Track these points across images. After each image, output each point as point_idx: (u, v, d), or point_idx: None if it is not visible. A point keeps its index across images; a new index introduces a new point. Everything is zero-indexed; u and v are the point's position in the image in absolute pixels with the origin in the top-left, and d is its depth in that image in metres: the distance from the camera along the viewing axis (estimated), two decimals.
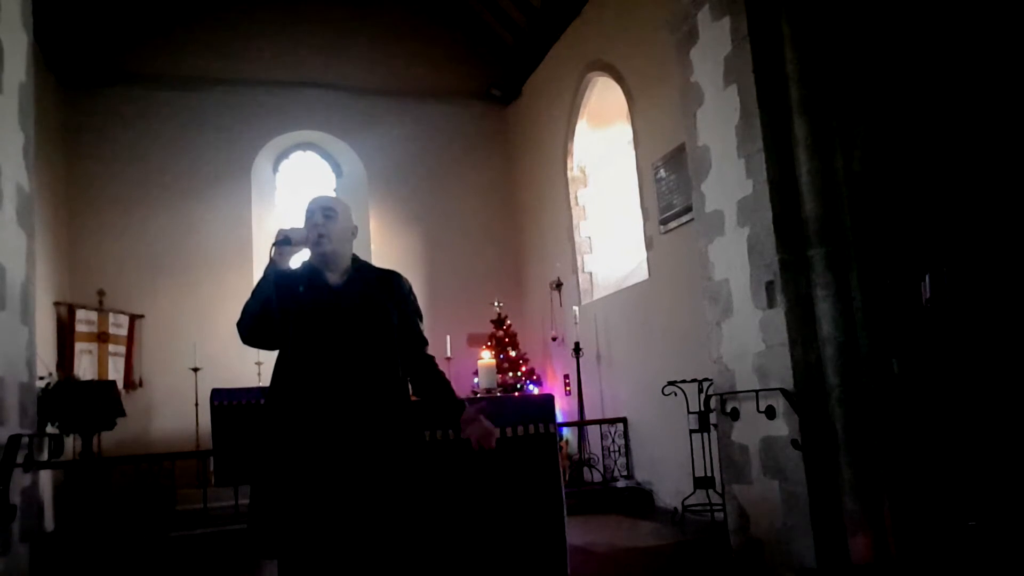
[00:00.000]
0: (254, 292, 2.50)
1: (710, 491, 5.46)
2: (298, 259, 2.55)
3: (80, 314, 7.81)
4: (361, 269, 2.65)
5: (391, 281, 2.67)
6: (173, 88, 8.84)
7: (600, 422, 7.42)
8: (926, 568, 3.63)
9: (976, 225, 3.63)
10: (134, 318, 8.32)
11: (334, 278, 2.57)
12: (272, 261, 2.45)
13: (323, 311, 2.47)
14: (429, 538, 2.47)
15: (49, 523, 6.24)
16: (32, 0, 3.99)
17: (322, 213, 2.58)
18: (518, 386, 8.28)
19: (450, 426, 2.66)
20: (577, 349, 7.81)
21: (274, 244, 2.45)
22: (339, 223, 2.60)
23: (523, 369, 8.47)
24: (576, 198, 8.41)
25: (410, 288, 2.71)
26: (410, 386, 2.62)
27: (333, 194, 9.92)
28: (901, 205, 3.88)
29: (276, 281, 2.45)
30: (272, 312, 2.44)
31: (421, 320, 2.72)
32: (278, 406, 2.42)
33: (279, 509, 2.30)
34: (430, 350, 2.69)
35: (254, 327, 2.50)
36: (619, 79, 7.39)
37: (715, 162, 4.49)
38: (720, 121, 4.42)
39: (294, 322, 2.44)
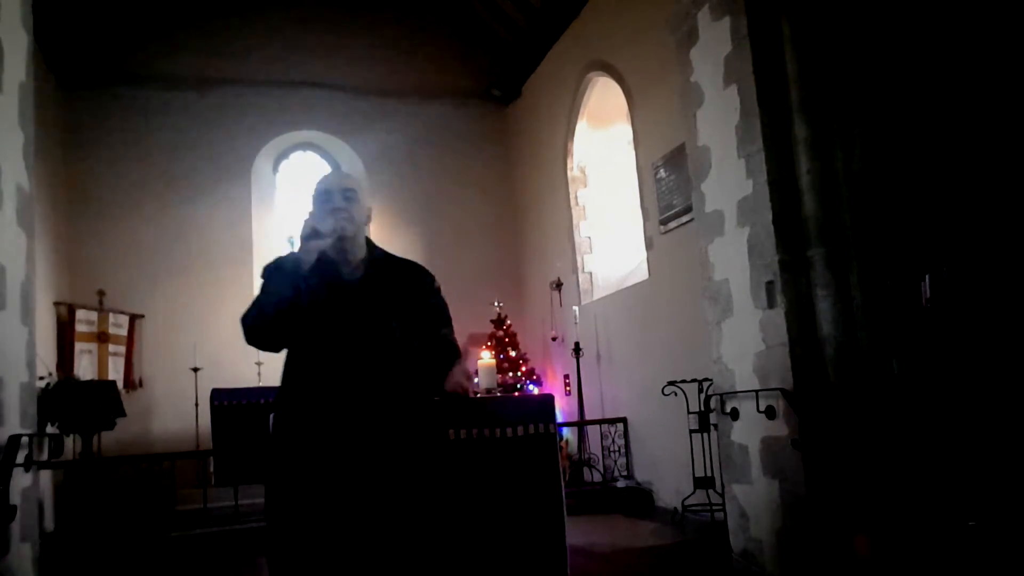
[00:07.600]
0: (267, 288, 2.21)
1: (710, 491, 5.45)
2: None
3: (80, 314, 7.82)
4: (379, 261, 2.32)
5: (415, 278, 2.36)
6: (173, 88, 8.85)
7: (600, 422, 7.42)
8: (926, 568, 3.63)
9: (976, 225, 3.63)
10: (134, 318, 8.33)
11: (348, 270, 2.26)
12: (295, 255, 2.16)
13: (338, 311, 2.20)
14: (434, 540, 2.36)
15: (49, 523, 6.24)
16: (32, 0, 3.99)
17: (342, 195, 2.23)
18: (518, 386, 8.28)
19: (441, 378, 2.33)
20: (577, 349, 7.81)
21: (302, 238, 2.12)
22: (361, 204, 2.25)
23: (523, 369, 8.47)
24: (576, 198, 8.41)
25: (439, 289, 2.39)
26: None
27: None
28: (901, 205, 3.88)
29: (286, 275, 2.16)
30: (300, 309, 2.14)
31: (449, 328, 2.37)
32: (293, 411, 2.24)
33: (295, 511, 2.18)
34: None
35: (271, 325, 2.18)
36: (619, 79, 7.39)
37: (715, 162, 4.49)
38: (720, 121, 4.41)
39: (304, 322, 2.18)
